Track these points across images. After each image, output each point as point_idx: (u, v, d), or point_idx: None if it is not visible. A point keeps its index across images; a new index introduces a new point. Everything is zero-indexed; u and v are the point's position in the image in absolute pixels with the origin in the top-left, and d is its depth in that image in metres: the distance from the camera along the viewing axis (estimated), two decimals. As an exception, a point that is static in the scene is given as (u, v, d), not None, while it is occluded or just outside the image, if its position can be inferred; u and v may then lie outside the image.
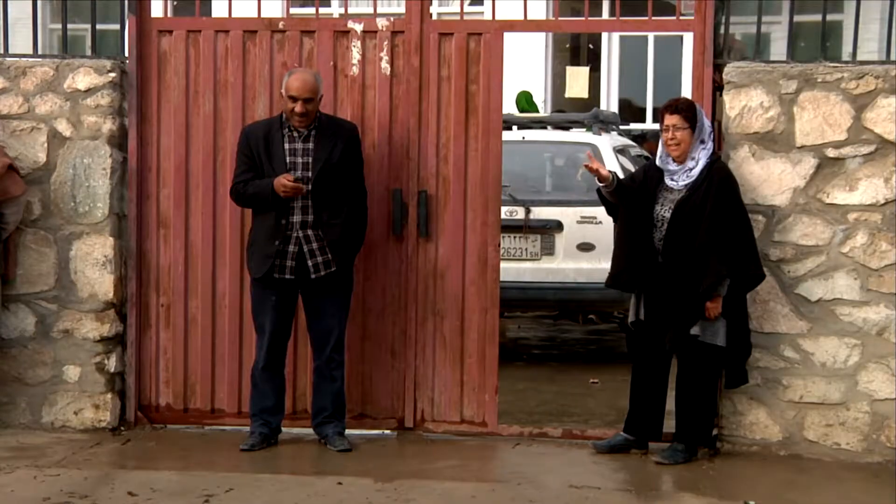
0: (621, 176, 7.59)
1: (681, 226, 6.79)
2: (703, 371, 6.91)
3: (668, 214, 6.85)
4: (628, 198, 6.99)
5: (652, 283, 6.93)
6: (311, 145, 7.07)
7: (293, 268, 7.04)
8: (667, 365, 7.06)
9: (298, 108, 6.98)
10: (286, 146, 7.06)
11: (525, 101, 13.44)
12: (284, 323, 7.20)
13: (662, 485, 6.73)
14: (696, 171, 6.84)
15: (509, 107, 11.33)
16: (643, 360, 7.08)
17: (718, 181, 6.81)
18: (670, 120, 6.89)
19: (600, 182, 6.95)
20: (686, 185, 6.85)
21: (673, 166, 6.92)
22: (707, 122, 6.92)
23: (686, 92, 15.61)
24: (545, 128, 11.24)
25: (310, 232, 7.04)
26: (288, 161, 7.03)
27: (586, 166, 6.92)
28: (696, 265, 6.72)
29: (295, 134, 7.08)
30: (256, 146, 7.09)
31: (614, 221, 7.21)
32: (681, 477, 6.82)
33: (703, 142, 6.88)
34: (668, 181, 6.93)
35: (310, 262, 7.04)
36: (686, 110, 6.90)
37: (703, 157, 6.86)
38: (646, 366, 7.08)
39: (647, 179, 7.04)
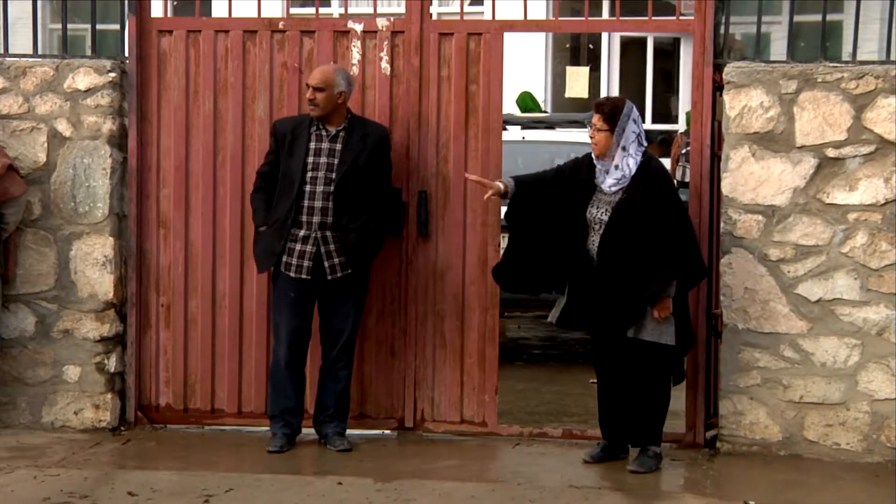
0: None
1: (620, 229, 6.66)
2: (657, 371, 6.80)
3: (605, 217, 6.72)
4: (544, 193, 6.90)
5: (585, 286, 6.79)
6: (338, 146, 7.07)
7: (310, 268, 7.03)
8: (615, 365, 6.90)
9: (309, 94, 7.02)
10: (311, 145, 7.06)
11: (530, 100, 13.46)
12: (303, 322, 7.19)
13: (662, 485, 6.73)
14: (626, 180, 6.70)
15: (509, 107, 11.34)
16: (604, 366, 6.95)
17: (655, 180, 6.72)
18: (594, 118, 6.82)
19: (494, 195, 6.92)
20: (620, 189, 6.71)
21: (601, 163, 6.78)
22: (633, 130, 6.74)
23: (685, 91, 15.66)
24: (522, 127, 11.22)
25: (328, 233, 7.03)
26: (310, 161, 7.03)
27: (467, 179, 6.95)
28: (638, 268, 6.61)
29: (323, 133, 7.09)
30: (282, 140, 7.11)
31: (510, 226, 7.06)
32: (681, 477, 6.82)
33: (624, 149, 6.72)
34: (600, 183, 6.79)
35: (326, 264, 7.04)
36: (607, 113, 6.75)
37: (634, 164, 6.71)
38: (607, 372, 6.94)
39: (578, 179, 6.88)
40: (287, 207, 7.03)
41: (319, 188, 7.02)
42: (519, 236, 6.99)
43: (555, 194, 6.91)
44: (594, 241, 6.76)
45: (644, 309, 6.65)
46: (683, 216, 6.79)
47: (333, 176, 7.02)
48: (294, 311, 7.13)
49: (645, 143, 6.84)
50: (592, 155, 6.88)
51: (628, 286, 6.63)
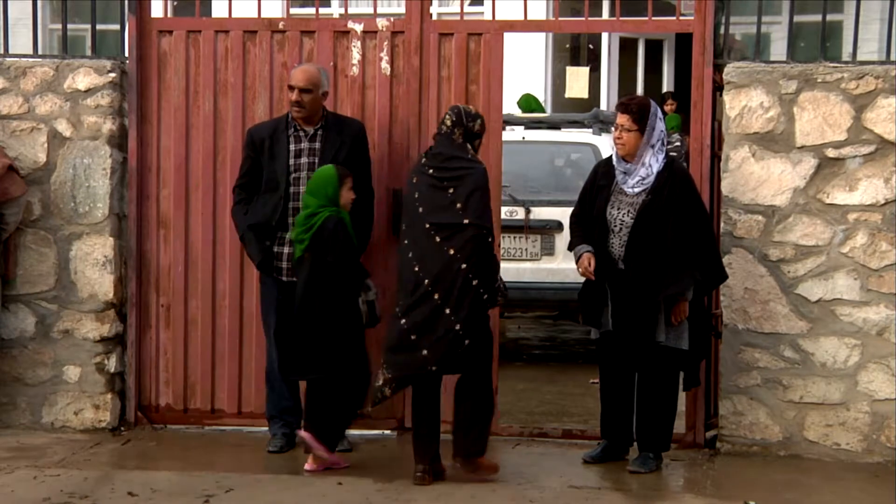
0: None
1: (646, 231, 6.64)
2: (667, 375, 6.80)
3: (626, 219, 6.69)
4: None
5: (615, 290, 6.76)
6: (317, 145, 7.06)
7: None
8: (634, 371, 6.89)
9: (294, 96, 6.98)
10: (291, 147, 7.05)
11: (534, 101, 13.44)
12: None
13: (662, 485, 6.73)
14: (650, 179, 6.69)
15: (509, 107, 11.36)
16: (613, 368, 6.92)
17: (680, 182, 6.70)
18: (620, 119, 6.75)
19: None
20: (644, 190, 6.69)
21: (625, 166, 6.75)
22: (660, 126, 6.75)
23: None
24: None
25: None
26: (292, 162, 7.02)
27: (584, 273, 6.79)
28: (664, 270, 6.59)
29: (301, 133, 7.07)
30: (260, 147, 7.08)
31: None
32: (681, 477, 6.82)
33: (653, 146, 6.70)
34: (622, 185, 6.77)
35: None
36: (636, 112, 6.72)
37: (656, 162, 6.70)
38: (616, 373, 6.92)
39: (596, 185, 6.86)
40: (271, 209, 7.00)
41: (304, 188, 7.00)
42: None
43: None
44: (615, 243, 6.74)
45: (667, 312, 6.64)
46: (706, 220, 6.79)
47: None
48: (284, 312, 7.12)
49: (667, 143, 6.85)
50: (613, 156, 6.84)
51: (656, 290, 6.61)
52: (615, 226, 6.74)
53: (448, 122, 6.62)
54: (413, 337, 6.42)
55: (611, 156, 6.94)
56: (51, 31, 13.70)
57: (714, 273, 6.77)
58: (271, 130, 7.13)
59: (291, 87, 7.01)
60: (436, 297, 6.36)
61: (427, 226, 6.42)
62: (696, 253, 6.64)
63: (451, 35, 7.49)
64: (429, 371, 6.42)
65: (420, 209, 6.47)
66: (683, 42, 16.42)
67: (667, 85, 17.41)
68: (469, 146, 6.58)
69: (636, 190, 6.73)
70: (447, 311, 6.35)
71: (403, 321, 6.45)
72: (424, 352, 6.38)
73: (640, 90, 16.94)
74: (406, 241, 6.53)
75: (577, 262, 6.83)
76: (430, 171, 6.54)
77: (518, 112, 12.44)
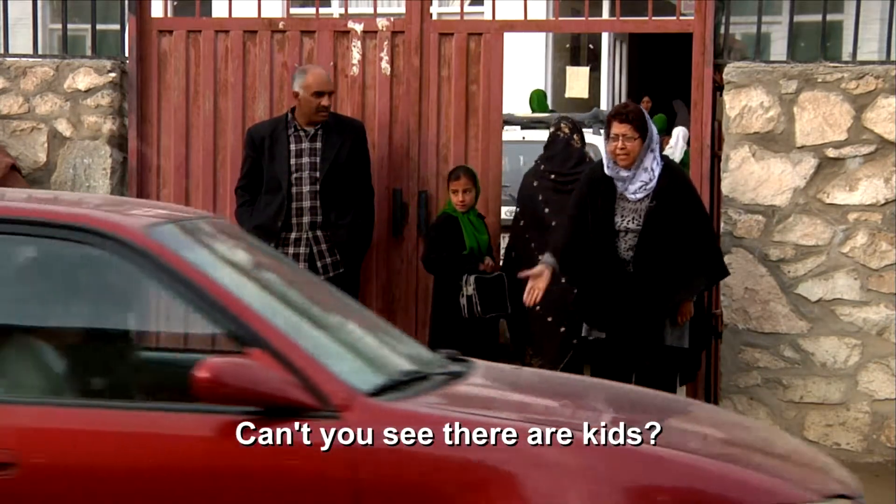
0: None
1: (654, 236, 6.55)
2: (667, 375, 6.74)
3: (632, 225, 6.57)
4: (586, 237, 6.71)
5: (620, 294, 6.66)
6: (318, 144, 7.05)
7: (306, 269, 7.01)
8: (631, 373, 6.77)
9: (325, 101, 6.95)
10: (292, 147, 7.04)
11: (536, 101, 13.44)
12: None
13: (662, 485, 6.71)
14: (653, 184, 6.56)
15: (509, 107, 11.38)
16: (606, 371, 6.72)
17: (681, 185, 6.64)
18: (620, 129, 6.53)
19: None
20: (647, 195, 6.58)
21: (624, 173, 6.59)
22: (654, 128, 6.70)
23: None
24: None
25: (319, 233, 7.02)
26: (293, 162, 7.01)
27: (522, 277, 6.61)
28: (674, 275, 6.53)
29: (301, 133, 7.06)
30: (260, 147, 7.06)
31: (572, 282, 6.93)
32: (681, 477, 6.81)
33: (652, 150, 6.61)
34: (622, 191, 6.61)
35: (319, 264, 7.01)
36: (635, 120, 6.56)
37: (657, 165, 6.58)
38: (609, 376, 6.83)
39: (594, 192, 6.66)
40: (275, 210, 7.00)
41: (305, 188, 7.00)
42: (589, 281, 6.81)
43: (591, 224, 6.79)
44: (621, 247, 6.63)
45: (673, 314, 6.63)
46: (707, 219, 6.80)
47: (318, 174, 6.99)
48: None
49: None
50: (605, 166, 6.66)
51: (663, 292, 6.58)
52: (622, 232, 6.63)
53: (566, 129, 7.42)
54: (550, 319, 7.12)
55: (600, 161, 6.81)
56: (51, 31, 13.66)
57: (716, 270, 6.75)
58: (271, 130, 7.11)
59: (320, 93, 6.92)
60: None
61: (553, 224, 7.09)
62: (701, 254, 6.60)
63: (451, 35, 7.49)
64: (573, 345, 7.02)
65: (546, 209, 7.24)
66: (635, 41, 16.61)
67: (626, 83, 17.46)
68: (585, 150, 7.43)
69: (639, 195, 6.64)
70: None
71: (538, 307, 6.84)
72: (562, 329, 7.05)
73: (620, 90, 17.00)
74: (527, 236, 7.29)
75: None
76: (552, 175, 7.30)
77: (516, 111, 12.43)
